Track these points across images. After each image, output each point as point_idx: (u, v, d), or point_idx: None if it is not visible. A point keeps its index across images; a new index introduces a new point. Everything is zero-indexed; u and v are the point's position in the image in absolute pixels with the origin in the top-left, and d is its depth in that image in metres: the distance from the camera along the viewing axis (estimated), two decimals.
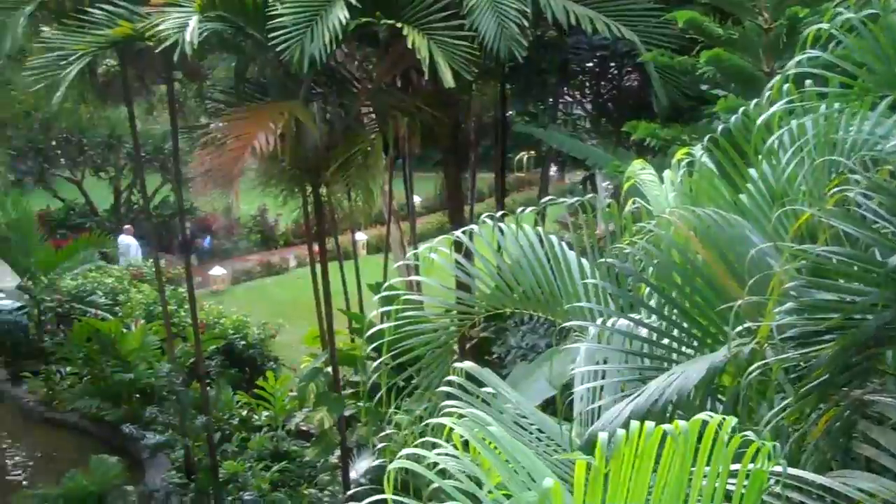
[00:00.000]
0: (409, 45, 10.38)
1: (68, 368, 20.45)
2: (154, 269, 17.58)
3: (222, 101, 14.36)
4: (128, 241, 27.32)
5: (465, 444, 4.55)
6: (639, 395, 4.50)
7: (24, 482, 17.79)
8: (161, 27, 10.83)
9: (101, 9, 12.17)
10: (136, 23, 11.70)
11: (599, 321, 5.62)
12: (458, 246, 7.45)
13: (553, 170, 39.23)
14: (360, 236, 27.00)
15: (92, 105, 17.93)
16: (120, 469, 14.46)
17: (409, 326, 7.80)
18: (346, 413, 13.99)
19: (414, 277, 8.39)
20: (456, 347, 8.40)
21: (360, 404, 13.74)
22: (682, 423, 3.18)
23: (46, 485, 15.04)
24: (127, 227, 28.05)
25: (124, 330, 19.62)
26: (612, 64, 15.33)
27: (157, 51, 11.13)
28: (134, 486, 15.49)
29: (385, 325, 7.60)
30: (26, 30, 13.54)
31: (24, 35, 13.51)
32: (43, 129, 30.14)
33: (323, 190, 14.00)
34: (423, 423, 7.47)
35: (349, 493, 12.80)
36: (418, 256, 7.95)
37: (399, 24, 10.66)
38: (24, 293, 21.64)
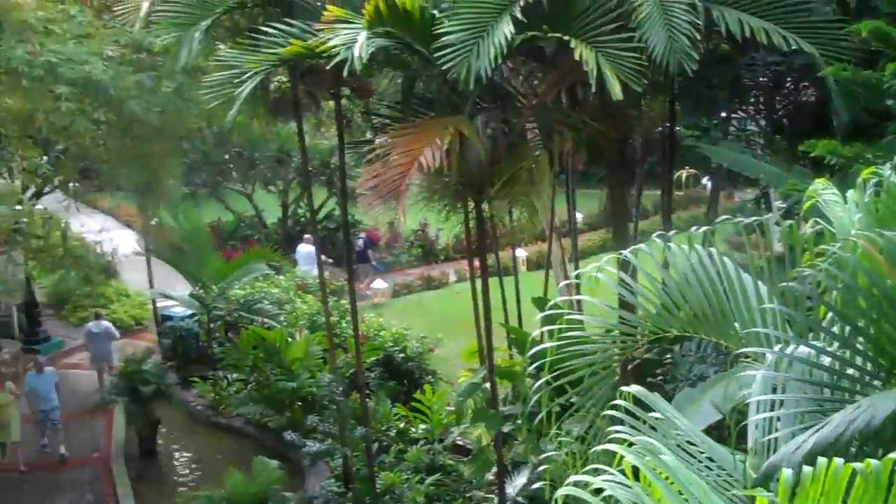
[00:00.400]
0: (577, 58, 10.21)
1: (235, 375, 21.11)
2: (318, 281, 17.93)
3: (388, 116, 14.52)
4: (308, 250, 27.95)
5: (634, 471, 4.37)
6: (822, 428, 4.24)
7: (191, 483, 18.38)
8: (330, 43, 11.00)
9: (274, 27, 12.47)
10: (307, 40, 11.94)
11: (777, 347, 5.33)
12: (621, 264, 7.24)
13: (708, 186, 38.23)
14: (521, 252, 26.90)
15: (263, 121, 18.45)
16: (281, 474, 14.76)
17: (571, 347, 7.63)
18: (504, 430, 13.87)
19: (577, 297, 8.18)
20: (618, 369, 8.13)
21: (519, 422, 13.61)
22: (873, 461, 2.95)
23: (211, 486, 15.48)
24: (307, 236, 28.71)
25: (289, 339, 20.09)
26: (789, 79, 14.72)
27: (327, 67, 11.31)
28: (294, 492, 15.79)
29: (548, 345, 7.47)
30: (204, 45, 14.01)
31: (201, 52, 13.98)
32: (217, 144, 31.25)
33: (485, 205, 13.97)
34: (588, 447, 7.31)
35: None
36: (580, 275, 7.77)
37: (566, 38, 10.50)
38: (195, 301, 22.43)
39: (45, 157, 26.24)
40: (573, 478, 4.84)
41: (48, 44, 16.31)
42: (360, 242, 29.84)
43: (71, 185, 30.75)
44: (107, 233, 29.79)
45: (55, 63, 15.88)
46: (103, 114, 17.41)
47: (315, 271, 26.77)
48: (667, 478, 4.26)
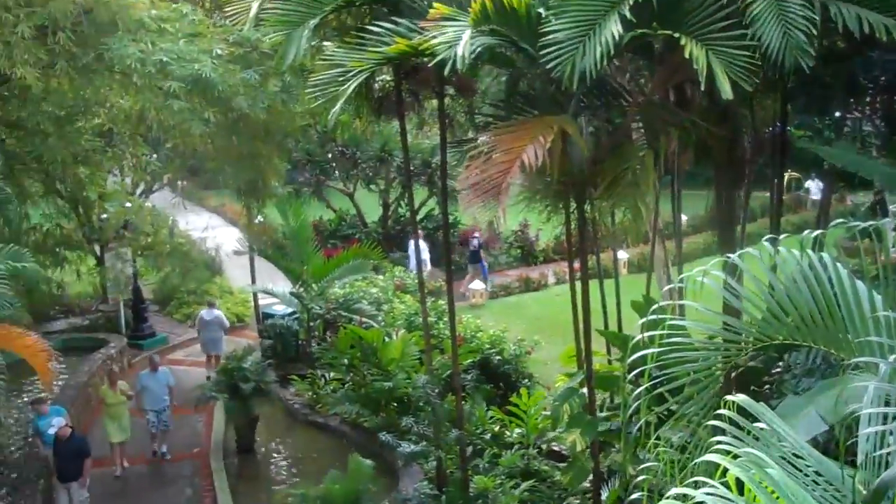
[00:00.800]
0: (686, 56, 9.90)
1: (332, 374, 21.23)
2: (417, 281, 17.90)
3: (491, 115, 14.38)
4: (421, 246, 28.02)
5: (738, 484, 4.16)
6: None
7: (287, 480, 18.54)
8: (434, 42, 10.91)
9: (381, 26, 12.45)
10: (413, 39, 11.88)
11: (892, 358, 5.04)
12: (727, 269, 6.97)
13: (812, 190, 36.95)
14: (622, 254, 26.47)
15: (366, 120, 18.52)
16: (375, 474, 14.73)
17: (673, 353, 7.38)
18: (601, 437, 13.58)
19: (680, 301, 7.93)
20: (721, 377, 7.85)
21: (616, 429, 13.33)
22: None
23: (307, 484, 15.55)
24: (419, 231, 28.80)
25: (386, 339, 20.11)
26: None
27: (430, 65, 11.22)
28: (387, 493, 15.76)
29: (648, 351, 7.23)
30: (311, 43, 14.08)
31: (308, 51, 14.05)
32: (320, 143, 31.58)
33: (587, 206, 13.72)
34: (689, 457, 7.06)
35: None
36: (684, 279, 7.55)
37: (676, 35, 10.21)
38: (295, 300, 22.63)
39: (154, 155, 26.94)
40: (674, 490, 4.67)
41: (160, 42, 16.64)
42: (475, 243, 29.78)
43: (179, 182, 31.57)
44: (212, 230, 30.50)
45: (166, 62, 16.20)
46: (211, 112, 17.66)
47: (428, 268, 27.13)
48: (772, 492, 4.11)
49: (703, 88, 10.04)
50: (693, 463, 5.94)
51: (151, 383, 19.18)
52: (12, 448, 19.39)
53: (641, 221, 13.32)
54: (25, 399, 19.96)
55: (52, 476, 16.57)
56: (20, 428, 20.09)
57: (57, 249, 25.07)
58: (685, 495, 3.92)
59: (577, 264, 14.53)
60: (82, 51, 16.36)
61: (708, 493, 4.28)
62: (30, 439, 17.76)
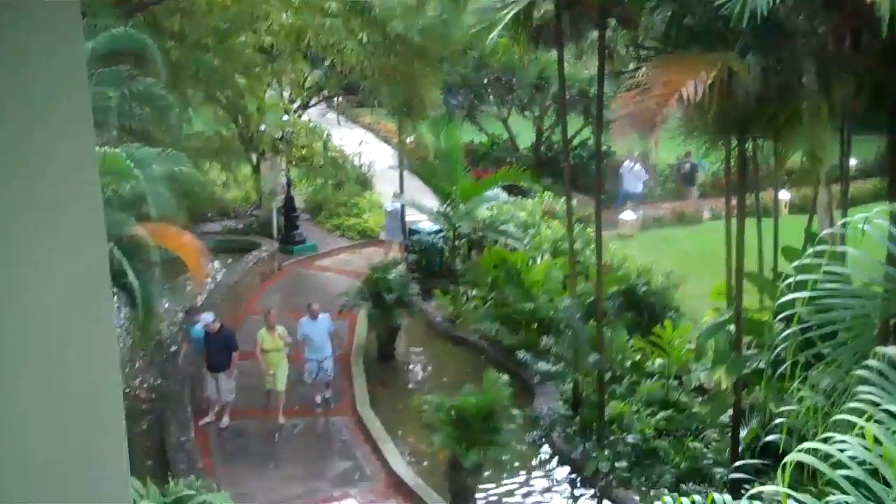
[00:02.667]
0: (868, 1, 9.57)
1: (474, 291, 21.56)
2: (565, 207, 17.93)
3: (653, 48, 14.19)
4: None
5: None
6: None
7: (423, 389, 19.09)
8: None
9: None
10: None
11: None
12: (894, 218, 6.82)
13: None
14: (784, 195, 25.70)
15: (524, 47, 18.48)
16: (510, 390, 14.98)
17: (826, 299, 7.27)
18: (746, 374, 13.48)
19: (840, 247, 7.81)
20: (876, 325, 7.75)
21: (761, 368, 13.25)
22: None
23: (442, 394, 15.96)
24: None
25: (530, 262, 20.24)
26: None
27: None
28: (521, 410, 16.08)
29: (800, 294, 7.15)
30: None
31: None
32: (476, 68, 31.57)
33: (749, 145, 13.51)
34: (832, 404, 7.03)
35: (736, 463, 12.38)
36: (846, 224, 7.42)
37: None
38: (442, 218, 22.95)
39: (312, 71, 27.53)
40: (806, 444, 4.68)
41: None
42: (688, 166, 29.62)
43: (335, 99, 32.18)
44: (365, 146, 31.11)
45: None
46: (367, 33, 17.91)
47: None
48: None
49: (884, 33, 9.71)
50: (834, 410, 5.92)
51: (312, 331, 18.03)
52: (172, 335, 20.66)
53: (818, 165, 13.00)
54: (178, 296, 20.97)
55: (202, 367, 17.58)
56: (173, 320, 21.35)
57: (216, 156, 26.02)
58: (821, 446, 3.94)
59: (734, 201, 14.34)
60: None
61: (841, 449, 4.26)
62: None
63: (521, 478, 16.20)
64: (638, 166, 28.65)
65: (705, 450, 15.06)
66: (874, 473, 4.39)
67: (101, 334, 2.13)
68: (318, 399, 18.20)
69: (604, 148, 22.36)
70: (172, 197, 15.98)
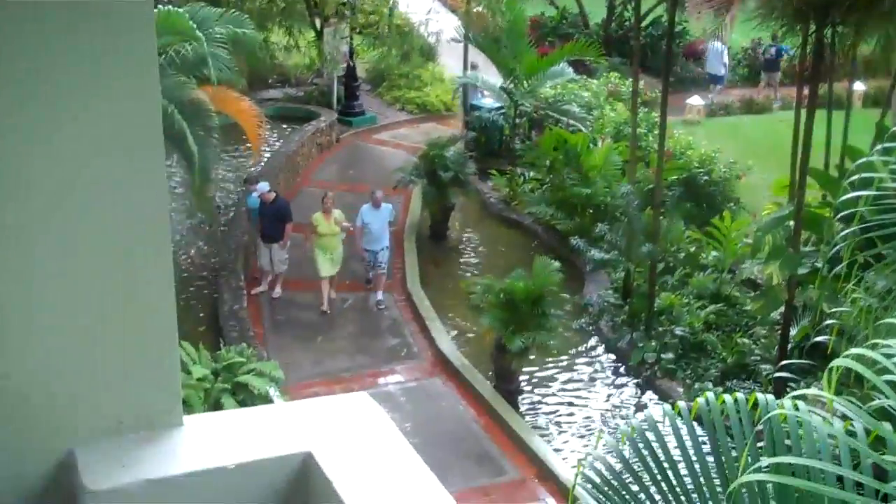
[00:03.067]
0: None
1: (532, 173, 21.07)
2: (631, 90, 17.22)
3: None
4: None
5: None
6: None
7: (474, 270, 18.83)
8: None
9: None
10: None
11: None
12: None
13: None
14: (859, 86, 24.54)
15: None
16: (560, 276, 14.69)
17: (890, 200, 6.90)
18: (800, 272, 12.97)
19: None
20: None
21: (818, 265, 12.69)
22: None
23: (492, 276, 15.73)
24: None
25: (591, 145, 19.65)
26: None
27: None
28: (571, 296, 15.77)
29: (863, 193, 6.74)
30: None
31: None
32: None
33: (827, 31, 12.70)
34: (885, 305, 6.65)
35: (782, 363, 12.02)
36: None
37: None
38: (504, 94, 22.28)
39: None
40: (853, 350, 4.37)
41: None
42: (773, 50, 28.37)
43: None
44: (434, 14, 30.17)
45: None
46: None
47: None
48: None
49: None
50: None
51: (373, 220, 17.04)
52: (227, 204, 20.55)
53: (892, 50, 12.28)
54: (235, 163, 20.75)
55: (256, 236, 17.43)
56: (232, 186, 21.20)
57: (279, 19, 25.45)
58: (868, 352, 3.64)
59: (807, 91, 13.59)
60: None
61: (888, 354, 3.95)
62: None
63: (566, 363, 15.98)
64: (723, 48, 27.13)
65: (754, 346, 14.73)
66: None
67: (152, 198, 2.17)
68: (370, 276, 17.57)
69: (678, 28, 21.43)
70: (234, 61, 15.69)
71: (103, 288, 2.15)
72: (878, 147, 6.83)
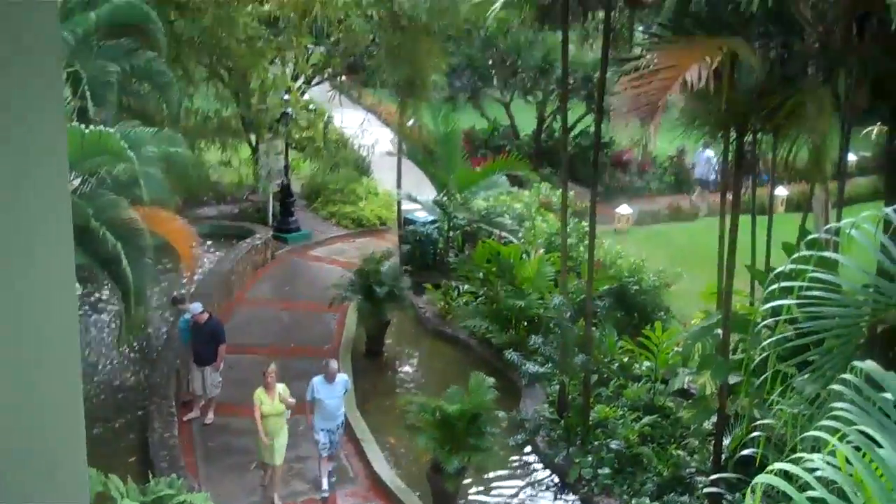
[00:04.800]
0: None
1: (466, 286, 21.03)
2: (561, 200, 17.36)
3: (657, 34, 13.64)
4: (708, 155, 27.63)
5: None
6: None
7: (409, 386, 18.59)
8: None
9: None
10: None
11: None
12: (887, 224, 6.55)
13: None
14: (781, 191, 25.14)
15: (530, 25, 17.97)
16: (496, 393, 14.52)
17: (812, 308, 7.04)
18: (731, 380, 12.95)
19: (827, 254, 7.45)
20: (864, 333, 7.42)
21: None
22: None
23: (428, 393, 15.51)
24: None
25: (523, 256, 19.71)
26: None
27: None
28: (507, 412, 15.57)
29: (786, 302, 6.85)
30: None
31: None
32: (481, 48, 30.98)
33: (748, 138, 12.97)
34: (810, 416, 6.66)
35: (712, 477, 11.94)
36: (835, 229, 7.14)
37: None
38: (438, 207, 22.38)
39: (317, 47, 26.94)
40: (776, 465, 4.37)
41: None
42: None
43: (338, 77, 31.59)
44: (367, 128, 30.45)
45: None
46: (375, 9, 17.45)
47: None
48: (881, 475, 3.76)
49: (893, 23, 9.14)
50: (805, 428, 5.59)
51: (327, 395, 14.73)
52: (158, 326, 20.13)
53: (824, 159, 12.55)
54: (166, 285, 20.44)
55: (188, 359, 17.02)
56: (161, 306, 20.82)
57: (214, 137, 25.50)
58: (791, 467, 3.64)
59: (730, 197, 13.80)
60: None
61: (808, 469, 4.11)
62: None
63: (504, 482, 15.68)
64: (712, 154, 27.44)
65: (689, 458, 14.58)
66: (843, 496, 4.19)
67: (63, 325, 2.12)
68: (325, 484, 14.88)
69: (604, 138, 21.79)
70: (166, 180, 15.56)
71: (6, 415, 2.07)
72: (796, 255, 6.92)
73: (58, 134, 2.06)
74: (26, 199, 1.97)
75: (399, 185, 24.33)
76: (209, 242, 23.63)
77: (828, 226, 8.44)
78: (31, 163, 1.98)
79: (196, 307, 16.64)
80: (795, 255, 6.93)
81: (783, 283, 6.90)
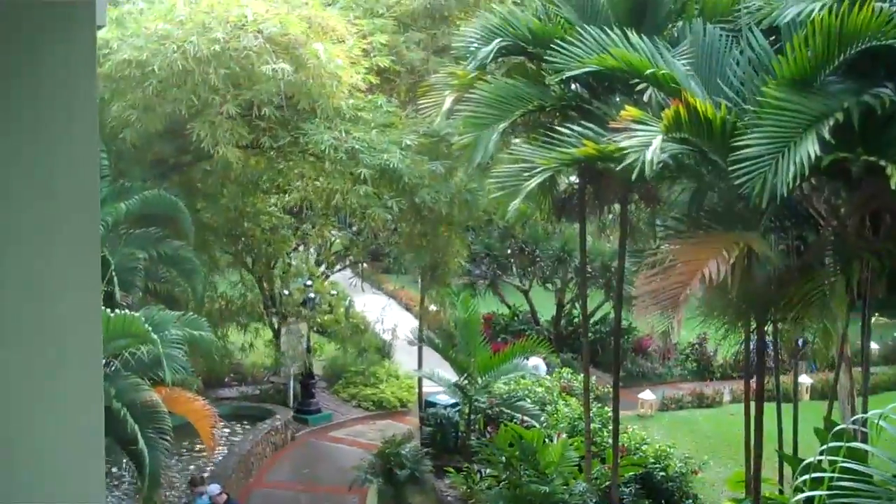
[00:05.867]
0: (893, 186, 9.42)
1: (488, 470, 20.90)
2: (584, 385, 17.54)
3: (673, 227, 14.13)
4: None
5: None
6: None
7: None
8: (624, 143, 10.82)
9: (570, 128, 12.49)
10: (601, 144, 11.83)
11: None
12: None
13: None
14: (805, 379, 25.26)
15: (547, 218, 18.57)
16: None
17: (844, 499, 7.00)
18: None
19: (856, 444, 7.54)
20: None
21: None
22: None
23: None
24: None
25: (546, 441, 19.69)
26: None
27: (617, 168, 11.14)
28: None
29: (818, 493, 6.85)
30: (499, 143, 14.24)
31: (496, 149, 14.21)
32: (500, 238, 31.75)
33: (769, 327, 13.23)
34: None
35: None
36: (864, 419, 7.24)
37: (882, 162, 9.76)
38: (459, 391, 22.53)
39: (340, 236, 27.72)
40: None
41: (354, 131, 17.25)
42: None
43: (360, 264, 32.35)
44: (388, 313, 30.97)
45: (358, 149, 16.77)
46: (395, 201, 18.11)
47: None
48: None
49: None
50: None
51: None
52: None
53: (830, 347, 12.75)
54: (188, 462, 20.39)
55: None
56: (183, 486, 20.70)
57: (238, 319, 25.94)
58: None
59: (754, 384, 13.96)
60: (282, 131, 17.11)
61: None
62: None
63: None
64: None
65: None
66: None
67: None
68: None
69: (624, 324, 22.11)
70: (189, 361, 15.87)
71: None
72: (825, 446, 7.00)
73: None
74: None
75: (420, 367, 24.56)
76: (230, 423, 23.68)
77: (855, 416, 8.58)
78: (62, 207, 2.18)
79: (214, 488, 16.65)
80: (824, 447, 7.01)
81: (814, 475, 6.95)
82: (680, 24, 13.52)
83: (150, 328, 14.11)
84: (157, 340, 14.09)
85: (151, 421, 14.78)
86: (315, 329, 27.12)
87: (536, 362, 25.83)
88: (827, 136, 9.79)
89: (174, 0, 16.26)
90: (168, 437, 15.16)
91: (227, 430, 23.16)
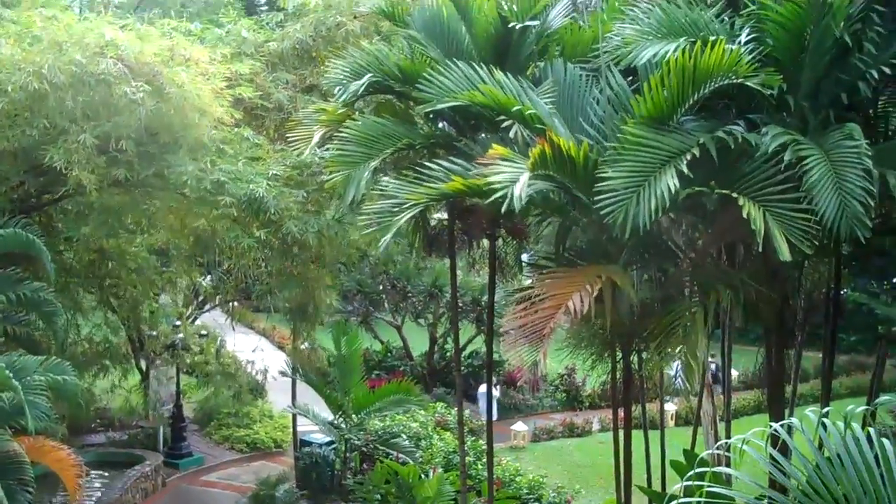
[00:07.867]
0: (745, 216, 9.83)
1: None
2: (457, 419, 17.64)
3: (540, 266, 14.37)
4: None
5: None
6: None
7: None
8: (492, 178, 10.97)
9: (438, 164, 12.60)
10: (468, 179, 11.97)
11: None
12: (774, 438, 6.83)
13: None
14: (670, 406, 26.00)
15: (418, 254, 18.69)
16: None
17: None
18: None
19: (720, 469, 7.78)
20: None
21: None
22: None
23: None
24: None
25: (422, 476, 19.72)
26: None
27: (485, 203, 11.28)
28: None
29: None
30: (370, 182, 14.25)
31: (368, 187, 14.20)
32: (371, 274, 31.77)
33: (633, 357, 13.54)
34: None
35: None
36: (727, 445, 7.45)
37: (735, 195, 10.18)
38: (334, 429, 22.38)
39: (208, 277, 27.26)
40: None
41: (220, 163, 17.02)
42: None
43: (231, 304, 31.85)
44: (260, 353, 30.57)
45: (223, 181, 16.55)
46: (264, 234, 17.92)
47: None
48: None
49: (759, 249, 9.95)
50: None
51: None
52: None
53: (692, 376, 13.11)
54: None
55: None
56: None
57: (104, 362, 25.19)
58: None
59: (621, 413, 14.27)
60: (143, 165, 16.67)
61: None
62: None
63: None
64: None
65: None
66: None
67: None
68: None
69: (495, 357, 22.32)
70: (53, 408, 15.29)
71: None
72: (690, 473, 7.20)
73: None
74: None
75: (293, 406, 24.28)
76: (98, 469, 22.92)
77: (719, 442, 8.87)
78: None
79: None
80: (689, 474, 7.19)
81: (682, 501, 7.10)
82: (542, 64, 13.80)
83: (10, 374, 13.61)
84: (19, 387, 13.58)
85: (12, 472, 14.22)
86: (185, 371, 26.53)
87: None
88: (685, 170, 10.15)
89: (30, 20, 15.76)
90: (31, 489, 14.61)
91: (94, 478, 22.41)
